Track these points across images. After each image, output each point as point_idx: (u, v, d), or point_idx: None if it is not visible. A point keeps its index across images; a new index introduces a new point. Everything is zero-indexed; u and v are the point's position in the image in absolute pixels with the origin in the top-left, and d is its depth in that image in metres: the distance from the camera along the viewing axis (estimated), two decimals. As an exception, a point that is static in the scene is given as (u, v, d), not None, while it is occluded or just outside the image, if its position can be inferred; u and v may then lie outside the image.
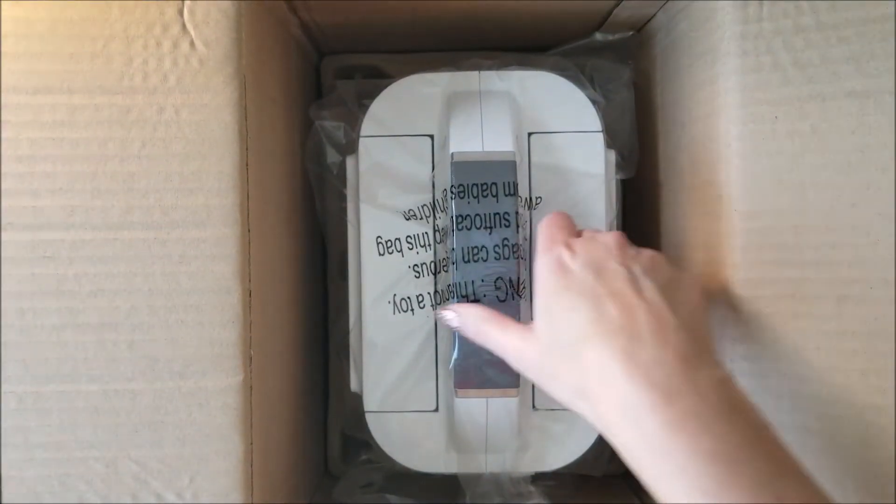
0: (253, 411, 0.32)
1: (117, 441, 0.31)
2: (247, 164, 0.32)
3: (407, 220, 0.42)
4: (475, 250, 0.38)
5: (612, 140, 0.44)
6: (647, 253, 0.35)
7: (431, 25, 0.46)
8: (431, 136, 0.43)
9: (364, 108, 0.43)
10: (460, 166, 0.39)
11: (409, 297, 0.42)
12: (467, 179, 0.39)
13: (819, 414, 0.33)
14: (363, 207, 0.42)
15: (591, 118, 0.43)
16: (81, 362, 0.31)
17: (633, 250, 0.35)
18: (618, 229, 0.44)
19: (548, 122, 0.43)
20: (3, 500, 0.31)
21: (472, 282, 0.38)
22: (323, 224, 0.47)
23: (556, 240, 0.35)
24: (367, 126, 0.43)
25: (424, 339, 0.42)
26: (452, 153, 0.40)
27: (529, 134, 0.43)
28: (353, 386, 0.44)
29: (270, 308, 0.36)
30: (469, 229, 0.39)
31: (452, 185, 0.39)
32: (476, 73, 0.43)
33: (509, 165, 0.39)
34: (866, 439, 0.33)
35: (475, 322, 0.37)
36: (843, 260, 0.33)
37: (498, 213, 0.39)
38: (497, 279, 0.38)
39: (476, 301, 0.38)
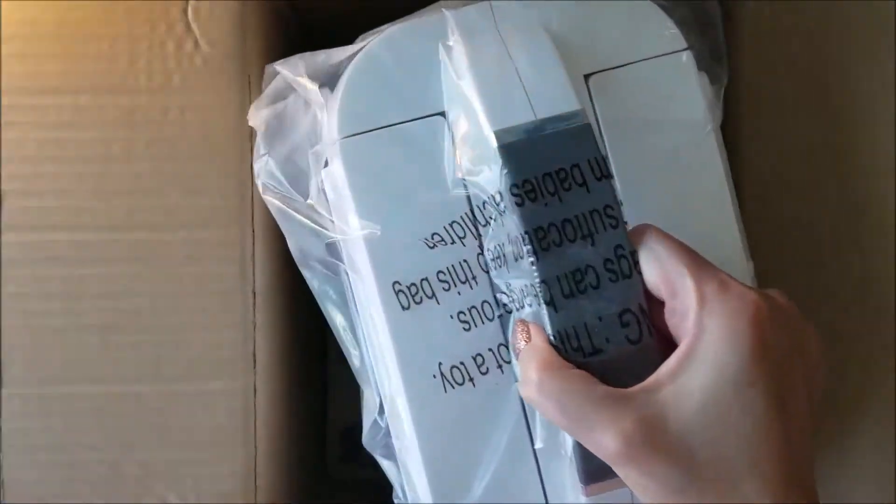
0: (257, 415, 0.31)
1: (120, 443, 0.31)
2: (251, 165, 0.31)
3: (432, 248, 0.28)
4: (577, 276, 0.24)
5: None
6: (813, 339, 0.25)
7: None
8: (443, 114, 0.28)
9: (327, 94, 0.29)
10: (513, 151, 0.25)
11: (463, 363, 0.28)
12: (531, 169, 0.25)
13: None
14: (363, 244, 0.28)
15: (667, 34, 0.29)
16: (85, 364, 0.31)
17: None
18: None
19: (608, 54, 0.29)
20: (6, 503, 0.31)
21: (585, 326, 0.24)
22: (311, 284, 0.31)
23: (725, 277, 0.24)
24: (344, 121, 0.28)
25: (504, 416, 0.28)
26: (494, 134, 0.25)
27: (587, 77, 0.29)
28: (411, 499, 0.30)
29: (275, 310, 0.33)
30: (558, 245, 0.24)
31: (512, 185, 0.24)
32: (486, 4, 0.29)
33: (586, 131, 0.25)
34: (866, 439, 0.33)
35: (540, 397, 0.24)
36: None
37: (596, 211, 0.24)
38: (623, 312, 0.24)
39: (596, 353, 0.24)
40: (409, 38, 0.29)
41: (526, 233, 0.24)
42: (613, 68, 0.29)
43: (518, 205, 0.25)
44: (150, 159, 0.31)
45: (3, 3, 0.30)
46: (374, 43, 0.29)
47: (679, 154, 0.29)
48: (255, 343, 0.31)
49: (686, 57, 0.29)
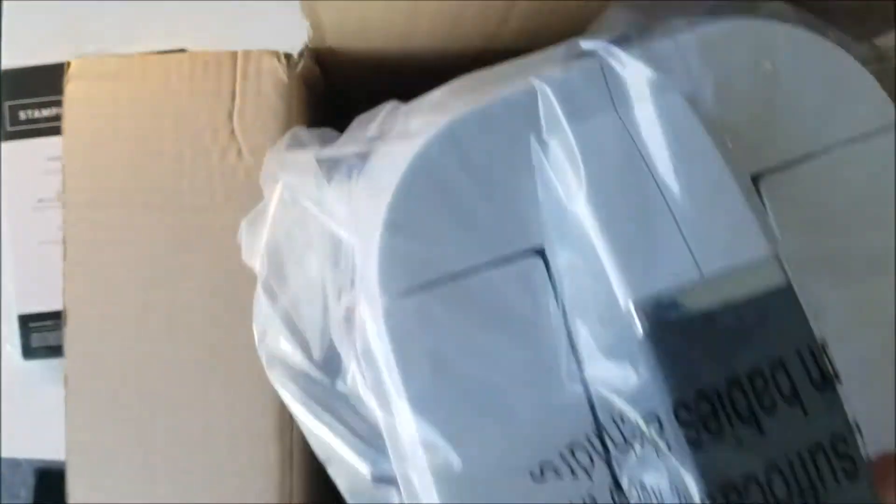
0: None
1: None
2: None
3: (540, 484, 0.17)
4: None
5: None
6: None
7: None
8: (542, 253, 0.18)
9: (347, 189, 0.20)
10: (673, 339, 0.15)
11: None
12: (708, 374, 0.15)
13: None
14: (432, 479, 0.17)
15: (871, 99, 0.19)
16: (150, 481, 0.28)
17: None
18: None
19: (785, 138, 0.19)
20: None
21: None
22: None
23: None
24: (390, 271, 0.18)
25: None
26: (635, 305, 0.16)
27: (756, 178, 0.19)
28: None
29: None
30: None
31: (679, 406, 0.15)
32: (595, 65, 0.18)
33: (787, 298, 0.16)
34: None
35: None
36: None
37: (820, 446, 0.15)
38: None
39: None
40: (482, 131, 0.18)
41: (709, 497, 0.15)
42: (796, 162, 0.19)
43: (692, 444, 0.15)
44: (189, 290, 0.28)
45: (68, 113, 0.30)
46: (430, 142, 0.18)
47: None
48: (292, 462, 0.28)
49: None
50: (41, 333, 0.48)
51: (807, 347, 0.15)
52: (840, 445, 0.15)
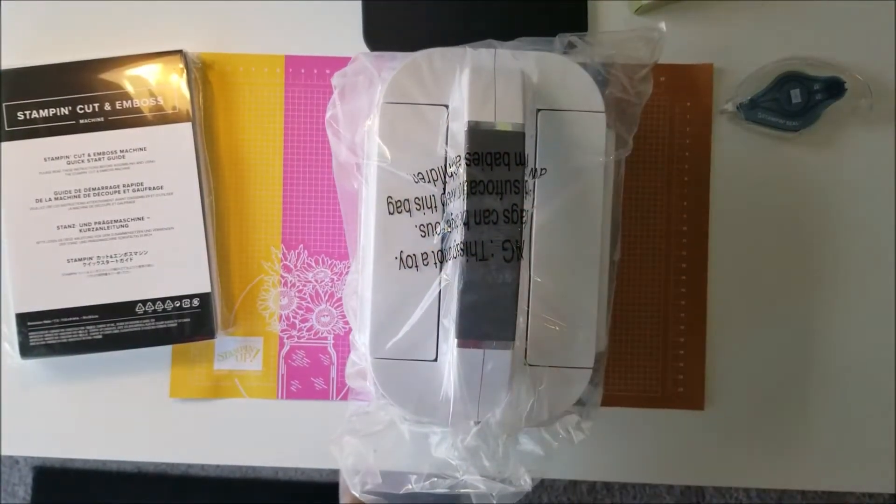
0: None
1: None
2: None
3: (416, 182, 0.45)
4: (486, 213, 0.40)
5: (619, 122, 0.48)
6: None
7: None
8: (447, 106, 0.45)
9: (383, 79, 0.46)
10: (475, 135, 0.41)
11: (414, 255, 0.44)
12: (481, 148, 0.40)
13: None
14: (377, 168, 0.45)
15: (595, 100, 0.46)
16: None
17: None
18: (618, 203, 0.49)
19: (555, 101, 0.46)
20: None
21: (482, 242, 0.40)
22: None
23: None
24: (390, 93, 0.45)
25: (428, 294, 0.44)
26: (468, 122, 0.41)
27: (538, 110, 0.46)
28: (355, 334, 0.48)
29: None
30: (481, 194, 0.40)
31: (467, 153, 0.41)
32: (492, 50, 0.46)
33: (520, 137, 0.41)
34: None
35: None
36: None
37: (509, 181, 0.40)
38: (505, 241, 0.40)
39: (483, 260, 0.40)
40: (439, 57, 0.46)
41: (465, 182, 0.41)
42: (555, 110, 0.46)
43: (468, 165, 0.41)
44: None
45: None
46: (418, 54, 0.46)
47: (579, 170, 0.46)
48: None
49: (601, 116, 0.46)
50: (39, 332, 0.51)
51: (520, 152, 0.41)
52: (517, 184, 0.41)
